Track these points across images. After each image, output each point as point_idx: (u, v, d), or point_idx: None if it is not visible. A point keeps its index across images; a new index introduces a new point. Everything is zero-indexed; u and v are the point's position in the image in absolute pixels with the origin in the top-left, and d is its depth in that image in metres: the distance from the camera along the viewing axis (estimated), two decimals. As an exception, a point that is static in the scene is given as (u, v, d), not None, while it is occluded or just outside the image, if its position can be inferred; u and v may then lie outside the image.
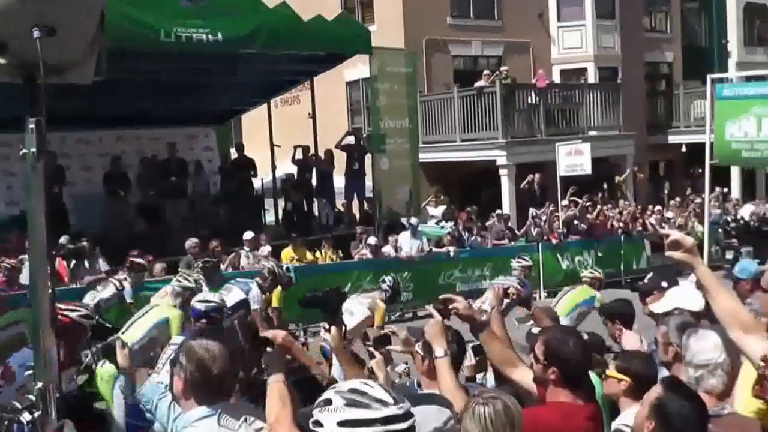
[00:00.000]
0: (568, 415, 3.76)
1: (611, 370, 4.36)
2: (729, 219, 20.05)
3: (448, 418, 3.88)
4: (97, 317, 8.25)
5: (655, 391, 3.34)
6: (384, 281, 10.42)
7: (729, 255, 15.08)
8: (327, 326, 5.09)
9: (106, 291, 10.80)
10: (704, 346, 3.71)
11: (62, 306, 6.22)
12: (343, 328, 7.29)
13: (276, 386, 3.68)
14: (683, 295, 5.44)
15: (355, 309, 8.59)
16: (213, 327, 6.89)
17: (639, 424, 3.34)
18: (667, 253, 3.52)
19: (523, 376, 4.16)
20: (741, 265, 7.06)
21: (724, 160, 10.89)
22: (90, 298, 10.54)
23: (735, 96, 9.43)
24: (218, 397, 3.56)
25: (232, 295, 9.49)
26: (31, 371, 3.40)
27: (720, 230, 19.21)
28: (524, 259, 12.29)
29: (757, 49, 34.23)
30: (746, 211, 22.54)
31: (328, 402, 2.71)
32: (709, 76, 10.37)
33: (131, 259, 12.27)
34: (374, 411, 2.65)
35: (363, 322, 8.80)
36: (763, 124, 8.94)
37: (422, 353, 4.56)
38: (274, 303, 11.09)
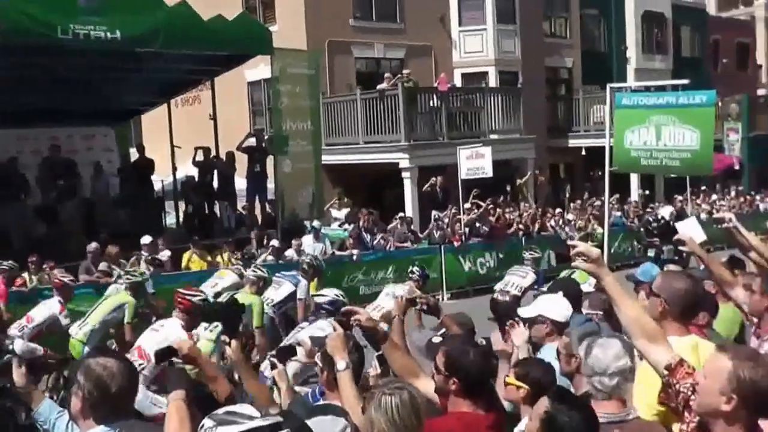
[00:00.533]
0: (469, 425, 3.86)
1: (510, 377, 4.42)
2: (651, 219, 21.01)
3: (344, 426, 4.00)
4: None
5: (543, 403, 3.43)
6: (413, 272, 11.10)
7: (651, 253, 15.89)
8: (228, 340, 5.03)
9: None
10: (609, 353, 3.82)
11: (183, 290, 7.66)
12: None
13: (175, 405, 3.62)
14: (550, 304, 5.58)
15: (385, 303, 9.32)
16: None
17: None
18: (574, 264, 3.67)
19: (425, 386, 4.21)
20: (643, 269, 7.34)
21: (624, 168, 11.21)
22: (113, 291, 11.45)
23: (634, 105, 9.79)
24: (118, 416, 3.42)
25: (282, 288, 10.93)
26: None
27: (642, 229, 20.18)
28: (535, 252, 13.43)
29: (655, 56, 35.72)
30: (666, 211, 23.65)
31: (202, 426, 2.81)
32: (608, 86, 10.77)
33: (154, 256, 13.78)
34: (240, 425, 2.74)
35: (385, 315, 8.99)
36: (663, 133, 9.28)
37: (321, 365, 4.66)
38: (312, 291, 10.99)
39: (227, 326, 7.46)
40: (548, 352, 5.12)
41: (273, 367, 5.26)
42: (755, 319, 5.37)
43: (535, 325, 5.41)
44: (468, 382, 3.89)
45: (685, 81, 11.53)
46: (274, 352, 6.03)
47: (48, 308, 10.37)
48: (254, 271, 10.48)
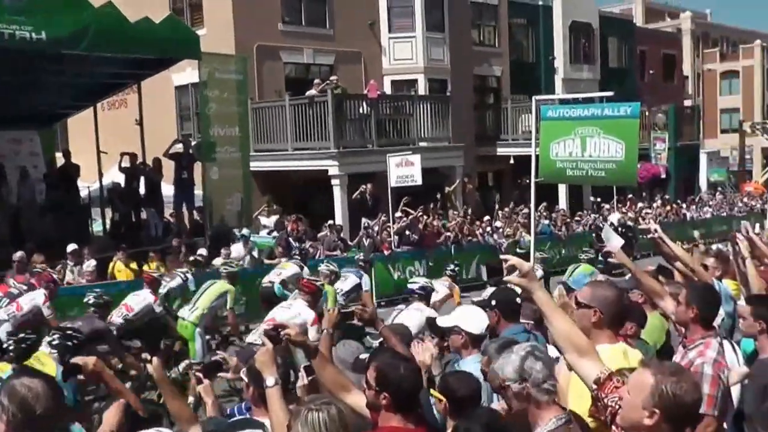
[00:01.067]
0: None
1: (435, 391, 4.47)
2: (600, 225, 22.04)
3: None
4: (165, 304, 11.83)
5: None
6: (448, 266, 13.41)
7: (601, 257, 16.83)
8: (149, 358, 5.14)
9: (174, 282, 12.64)
10: (546, 360, 3.85)
11: (307, 278, 9.95)
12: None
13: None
14: (467, 315, 5.66)
15: (438, 288, 10.83)
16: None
17: None
18: (506, 278, 3.77)
19: (356, 400, 4.26)
20: (576, 277, 7.74)
21: (550, 178, 11.37)
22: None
23: (559, 117, 9.99)
24: None
25: (348, 281, 13.20)
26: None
27: (593, 235, 21.03)
28: (544, 253, 14.32)
29: (583, 66, 36.55)
30: (615, 218, 25.46)
31: None
32: (534, 98, 11.12)
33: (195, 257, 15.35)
34: None
35: (444, 298, 11.51)
36: (588, 144, 9.48)
37: (247, 380, 4.71)
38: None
39: (148, 343, 7.63)
40: (469, 365, 5.27)
41: (198, 381, 5.30)
42: (682, 329, 5.52)
43: (452, 336, 5.58)
44: (399, 396, 3.93)
45: (610, 93, 12.00)
46: (199, 367, 6.11)
47: (143, 299, 11.62)
48: (327, 265, 12.75)
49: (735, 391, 5.46)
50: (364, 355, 5.66)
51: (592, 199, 29.30)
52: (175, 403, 4.82)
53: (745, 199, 44.78)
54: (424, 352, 4.98)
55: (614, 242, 8.19)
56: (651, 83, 43.66)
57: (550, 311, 3.77)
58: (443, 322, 5.71)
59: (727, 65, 73.39)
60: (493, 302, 6.06)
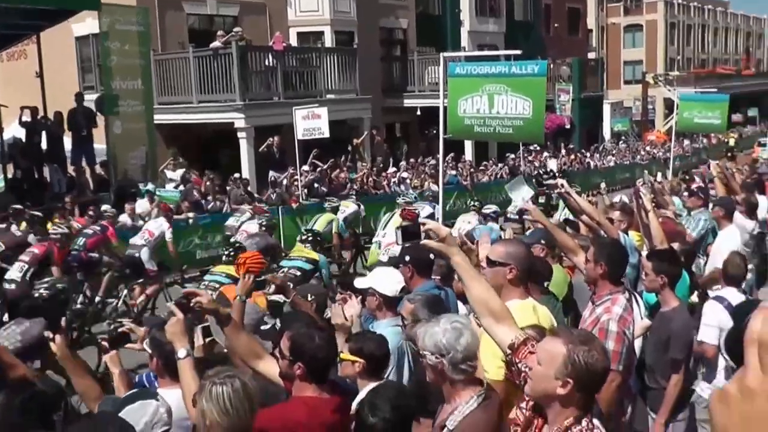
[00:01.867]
0: (314, 409, 3.95)
1: (345, 353, 4.43)
2: (541, 171, 23.33)
3: (156, 407, 4.16)
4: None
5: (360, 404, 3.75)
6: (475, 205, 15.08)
7: (542, 200, 17.67)
8: (51, 336, 5.02)
9: (350, 210, 16.98)
10: (469, 336, 3.87)
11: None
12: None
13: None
14: (382, 277, 5.69)
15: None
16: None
17: None
18: (423, 242, 3.75)
19: (269, 368, 4.34)
20: (480, 230, 8.03)
21: (458, 135, 11.53)
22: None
23: (467, 74, 10.09)
24: None
25: (425, 210, 14.73)
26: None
27: (533, 180, 21.99)
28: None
29: (489, 20, 37.04)
30: (553, 164, 28.29)
31: None
32: (442, 55, 11.31)
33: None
34: None
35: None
36: (495, 102, 9.64)
37: (151, 351, 4.69)
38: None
39: (50, 321, 7.53)
40: (383, 328, 5.30)
41: (104, 351, 5.24)
42: (592, 285, 5.63)
43: (367, 297, 5.59)
44: (313, 366, 3.99)
45: (518, 51, 12.39)
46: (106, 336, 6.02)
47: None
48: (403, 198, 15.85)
49: (637, 343, 5.85)
50: (266, 326, 5.89)
51: (532, 147, 29.95)
52: (81, 382, 4.85)
53: (648, 148, 46.54)
54: (348, 309, 5.05)
55: (524, 194, 8.74)
56: (556, 36, 44.48)
57: (468, 277, 3.75)
58: (359, 283, 5.66)
59: (631, 19, 75.49)
60: (407, 258, 6.20)
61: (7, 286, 10.87)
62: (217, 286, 9.06)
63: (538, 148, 32.28)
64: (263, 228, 13.35)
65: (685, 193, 13.18)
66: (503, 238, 6.96)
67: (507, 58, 13.73)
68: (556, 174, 25.45)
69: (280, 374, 4.13)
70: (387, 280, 5.63)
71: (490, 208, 12.95)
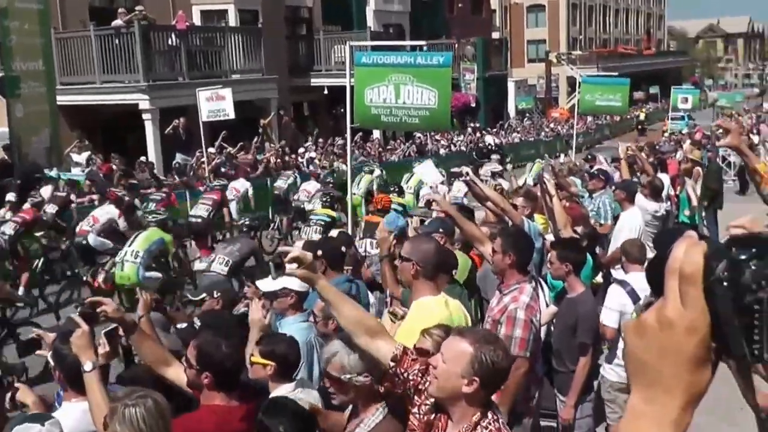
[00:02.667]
0: (223, 417, 4.00)
1: (256, 356, 4.45)
2: (481, 145, 28.34)
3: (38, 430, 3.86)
4: None
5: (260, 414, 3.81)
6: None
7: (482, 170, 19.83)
8: None
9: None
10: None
11: None
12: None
13: None
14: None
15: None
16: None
17: None
18: (288, 271, 3.77)
19: (177, 375, 4.31)
20: (388, 218, 7.97)
21: (365, 124, 11.73)
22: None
23: (373, 64, 10.21)
24: None
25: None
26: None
27: (474, 153, 22.94)
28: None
29: (394, -1, 37.82)
30: (491, 139, 32.12)
31: None
32: (349, 43, 11.42)
33: None
34: None
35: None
36: (402, 92, 9.79)
37: (53, 363, 4.56)
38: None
39: None
40: (290, 326, 5.41)
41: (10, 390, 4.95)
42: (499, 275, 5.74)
43: (278, 298, 5.60)
44: (220, 375, 4.01)
45: (423, 42, 12.76)
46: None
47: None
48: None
49: (543, 327, 6.06)
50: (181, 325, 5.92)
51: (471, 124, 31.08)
52: None
53: (552, 125, 47.96)
54: (258, 309, 5.08)
55: (432, 178, 9.11)
56: (460, 16, 45.15)
57: (335, 300, 3.77)
58: (268, 286, 5.55)
59: None
60: (320, 252, 6.25)
61: None
62: (322, 224, 11.25)
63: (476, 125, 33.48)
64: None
65: (587, 175, 13.89)
66: (416, 235, 6.85)
67: (413, 48, 14.07)
68: (494, 148, 29.37)
69: (188, 383, 4.15)
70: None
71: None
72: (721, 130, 5.12)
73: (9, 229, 13.08)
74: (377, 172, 19.49)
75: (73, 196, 16.49)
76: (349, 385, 3.78)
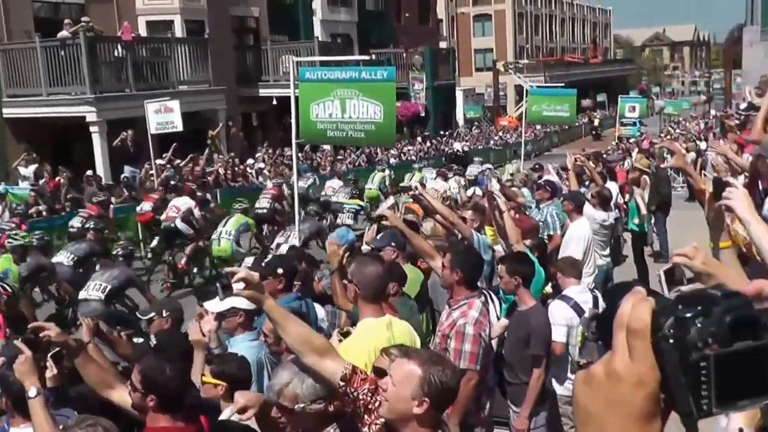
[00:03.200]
0: None
1: (207, 376, 4.50)
2: (448, 150, 30.55)
3: None
4: None
5: None
6: None
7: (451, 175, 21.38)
8: None
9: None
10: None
11: None
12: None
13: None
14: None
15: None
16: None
17: None
18: (236, 291, 3.80)
19: (122, 397, 4.31)
20: (338, 233, 8.22)
21: (311, 139, 11.92)
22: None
23: (318, 79, 10.25)
24: None
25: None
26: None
27: (443, 159, 26.66)
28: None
29: (341, 9, 37.79)
30: (459, 146, 34.80)
31: None
32: (292, 59, 11.25)
33: None
34: None
35: None
36: (347, 106, 9.85)
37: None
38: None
39: None
40: (240, 345, 5.43)
41: None
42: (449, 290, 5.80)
43: (227, 318, 5.58)
44: (165, 398, 4.00)
45: (367, 57, 12.91)
46: None
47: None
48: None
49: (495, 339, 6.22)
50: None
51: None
52: None
53: (500, 133, 48.69)
54: (204, 325, 5.13)
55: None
56: (407, 26, 45.69)
57: (282, 319, 3.80)
58: (216, 307, 5.46)
59: (480, 9, 78.30)
60: (280, 270, 6.32)
61: None
62: (354, 211, 17.24)
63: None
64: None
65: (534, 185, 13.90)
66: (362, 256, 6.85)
67: (357, 63, 14.25)
68: (459, 154, 31.81)
69: (133, 406, 4.13)
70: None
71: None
72: (667, 152, 5.45)
73: None
74: (387, 171, 24.36)
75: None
76: (303, 414, 3.76)
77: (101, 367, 4.62)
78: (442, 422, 3.55)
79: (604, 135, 53.60)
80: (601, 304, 6.85)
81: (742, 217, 3.25)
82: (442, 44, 54.90)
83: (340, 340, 4.66)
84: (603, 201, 10.69)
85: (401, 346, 4.13)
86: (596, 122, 58.23)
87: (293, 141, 11.28)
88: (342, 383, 3.58)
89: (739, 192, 3.31)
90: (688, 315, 1.13)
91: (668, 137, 41.89)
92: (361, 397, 3.55)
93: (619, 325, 1.19)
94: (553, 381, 6.71)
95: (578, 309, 6.64)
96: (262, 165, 24.63)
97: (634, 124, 38.33)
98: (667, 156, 5.54)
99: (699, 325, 1.12)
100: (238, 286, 3.70)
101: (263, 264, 6.70)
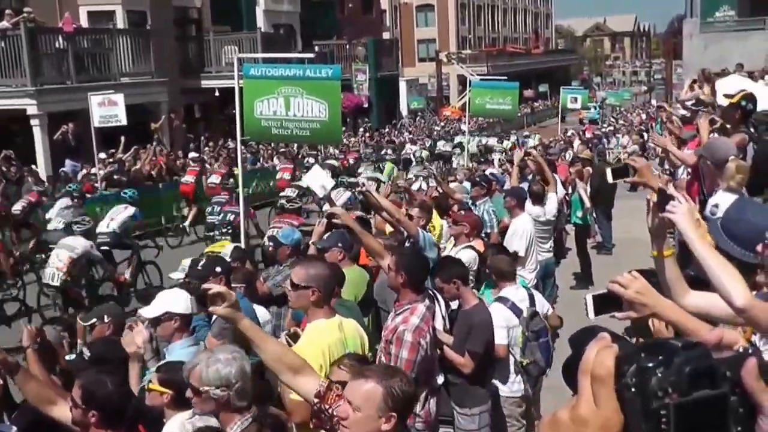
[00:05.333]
0: None
1: (153, 383, 4.47)
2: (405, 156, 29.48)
3: None
4: None
5: None
6: None
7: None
8: None
9: None
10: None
11: None
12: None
13: None
14: (172, 299, 5.65)
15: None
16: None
17: None
18: (211, 309, 3.82)
19: (63, 413, 4.29)
20: (284, 233, 8.23)
21: (255, 137, 11.93)
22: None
23: (262, 76, 10.19)
24: None
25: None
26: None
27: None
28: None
29: (284, -1, 38.09)
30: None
31: None
32: (236, 56, 11.20)
33: None
34: None
35: None
36: (291, 104, 9.80)
37: None
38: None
39: None
40: (178, 351, 5.34)
41: None
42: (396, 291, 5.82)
43: (162, 324, 5.50)
44: (107, 412, 4.01)
45: (312, 55, 13.01)
46: None
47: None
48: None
49: None
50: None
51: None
52: None
53: (442, 123, 49.13)
54: (136, 336, 5.14)
55: (324, 182, 9.32)
56: (350, 16, 45.79)
57: (258, 338, 3.81)
58: (149, 312, 5.53)
59: (422, -1, 78.61)
60: (218, 269, 6.34)
61: None
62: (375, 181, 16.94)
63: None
64: None
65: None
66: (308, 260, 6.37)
67: (300, 61, 14.24)
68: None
69: (74, 422, 4.12)
70: (178, 300, 5.61)
71: None
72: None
73: None
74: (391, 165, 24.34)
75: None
76: (207, 397, 3.91)
77: (41, 383, 4.59)
78: (407, 429, 3.59)
79: (542, 126, 54.15)
80: (538, 302, 7.07)
81: (684, 235, 3.24)
82: (386, 35, 55.12)
83: (288, 342, 4.66)
84: (536, 197, 10.77)
85: (352, 362, 4.23)
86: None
87: (237, 139, 11.23)
88: (316, 400, 3.59)
89: (683, 207, 3.32)
90: (650, 365, 1.17)
91: (610, 128, 42.89)
92: (336, 414, 3.45)
93: (584, 372, 1.22)
94: (497, 382, 6.76)
95: (516, 309, 6.71)
96: (205, 158, 24.57)
97: (596, 108, 38.87)
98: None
99: (660, 374, 1.16)
100: (214, 306, 3.73)
101: (200, 266, 6.67)
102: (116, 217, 13.92)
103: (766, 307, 2.94)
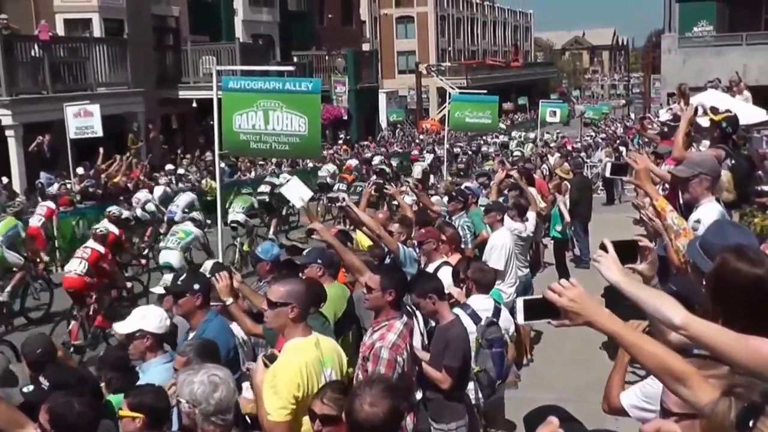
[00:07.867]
0: None
1: (124, 409, 4.41)
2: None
3: None
4: None
5: None
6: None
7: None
8: None
9: None
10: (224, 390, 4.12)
11: None
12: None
13: None
14: (146, 316, 5.64)
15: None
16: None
17: None
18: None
19: None
20: (263, 247, 8.21)
21: (234, 151, 11.63)
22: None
23: (241, 89, 10.11)
24: None
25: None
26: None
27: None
28: None
29: (263, 9, 37.80)
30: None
31: None
32: (215, 68, 11.18)
33: None
34: None
35: None
36: (271, 118, 9.74)
37: None
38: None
39: None
40: (153, 371, 5.39)
41: None
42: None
43: (134, 341, 5.54)
44: None
45: (292, 68, 12.94)
46: None
47: None
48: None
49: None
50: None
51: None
52: None
53: (422, 136, 49.16)
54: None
55: (302, 194, 9.25)
56: (330, 27, 45.72)
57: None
58: (122, 329, 5.58)
59: (403, 11, 79.00)
60: (196, 286, 6.18)
61: None
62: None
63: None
64: None
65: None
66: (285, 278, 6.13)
67: (280, 74, 14.09)
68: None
69: None
70: (152, 317, 5.62)
71: None
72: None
73: None
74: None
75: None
76: (182, 411, 4.02)
77: (9, 408, 4.45)
78: None
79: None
80: (503, 316, 7.03)
81: (615, 286, 3.10)
82: (365, 46, 55.16)
83: (266, 364, 4.62)
84: (520, 211, 10.76)
85: (337, 383, 4.30)
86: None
87: (215, 152, 11.16)
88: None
89: (608, 259, 3.18)
90: None
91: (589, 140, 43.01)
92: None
93: None
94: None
95: (475, 317, 6.71)
96: (181, 170, 24.49)
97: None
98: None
99: None
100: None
101: (179, 281, 6.54)
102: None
103: (704, 321, 2.89)
